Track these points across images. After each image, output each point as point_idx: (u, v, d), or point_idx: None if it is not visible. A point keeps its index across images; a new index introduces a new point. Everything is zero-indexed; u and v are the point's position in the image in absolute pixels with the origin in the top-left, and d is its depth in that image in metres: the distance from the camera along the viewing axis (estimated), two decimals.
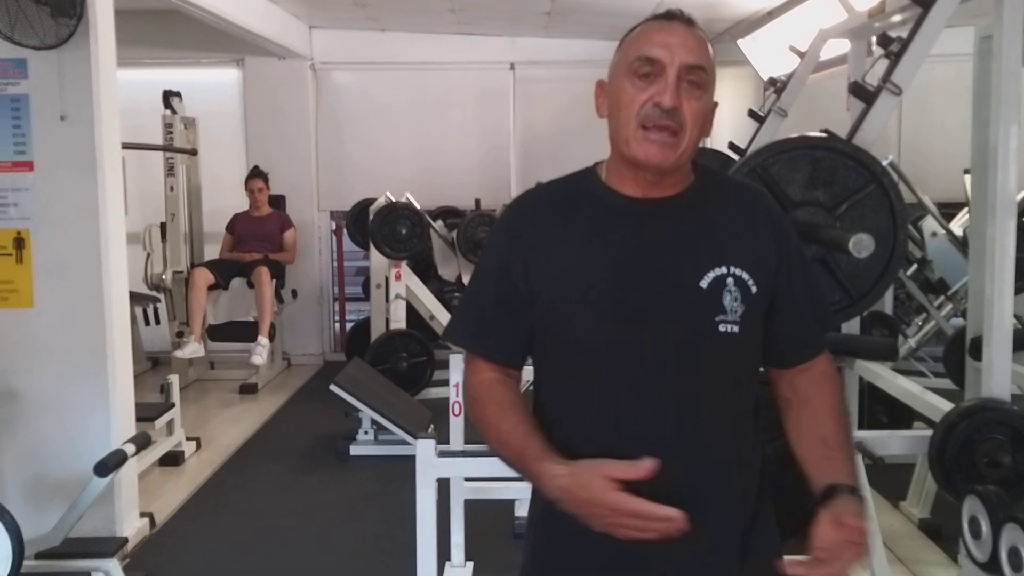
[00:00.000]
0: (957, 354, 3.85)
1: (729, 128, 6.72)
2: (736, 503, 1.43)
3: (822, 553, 1.31)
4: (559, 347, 1.43)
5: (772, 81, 4.57)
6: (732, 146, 4.63)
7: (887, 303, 4.79)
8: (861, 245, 2.32)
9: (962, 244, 4.56)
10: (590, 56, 6.92)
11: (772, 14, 5.71)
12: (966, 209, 4.44)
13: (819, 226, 2.51)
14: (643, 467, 1.25)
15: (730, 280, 1.37)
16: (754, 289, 1.38)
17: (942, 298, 4.97)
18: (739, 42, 6.36)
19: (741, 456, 1.43)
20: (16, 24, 3.33)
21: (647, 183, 1.40)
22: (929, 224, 4.86)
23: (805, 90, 4.25)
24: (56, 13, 3.36)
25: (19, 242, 3.63)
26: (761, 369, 1.51)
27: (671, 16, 1.39)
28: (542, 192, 1.52)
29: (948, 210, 5.24)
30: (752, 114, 4.47)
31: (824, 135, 2.64)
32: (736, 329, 1.37)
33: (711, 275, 1.37)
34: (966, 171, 3.83)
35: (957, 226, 4.87)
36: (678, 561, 1.37)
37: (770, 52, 5.81)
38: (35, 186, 3.62)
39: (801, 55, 4.13)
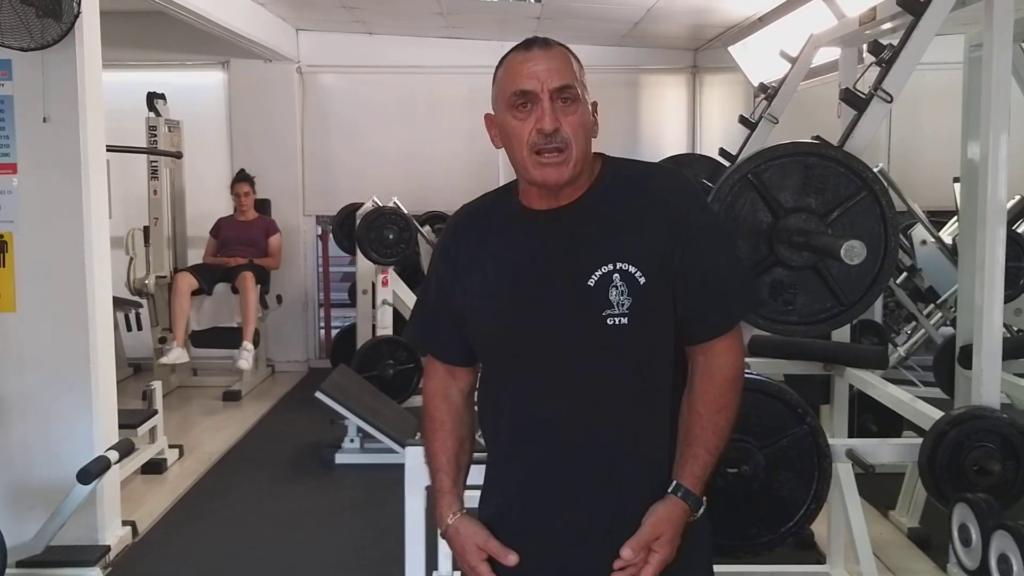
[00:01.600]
0: (946, 362, 3.85)
1: (720, 134, 6.74)
2: (636, 480, 1.55)
3: (633, 545, 1.50)
4: (481, 350, 1.66)
5: (763, 88, 4.56)
6: (723, 152, 4.62)
7: (877, 311, 4.79)
8: (853, 252, 2.31)
9: (952, 252, 4.57)
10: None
11: (763, 20, 5.72)
12: (956, 217, 4.45)
13: (811, 233, 2.49)
14: (510, 559, 1.56)
15: (616, 276, 1.49)
16: (642, 280, 1.49)
17: (932, 306, 4.98)
18: (730, 48, 6.37)
19: (644, 436, 1.56)
20: (2, 25, 3.29)
21: (549, 198, 1.57)
22: (919, 232, 4.87)
23: (796, 97, 4.24)
24: (43, 14, 3.32)
25: (1, 245, 3.59)
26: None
27: (529, 45, 1.55)
28: (469, 210, 1.70)
29: (938, 218, 5.25)
30: (743, 121, 4.46)
31: (816, 142, 2.62)
32: (624, 320, 1.49)
33: (598, 273, 1.49)
34: (956, 179, 3.84)
35: (947, 234, 4.88)
36: (569, 532, 1.57)
37: (761, 59, 5.82)
38: (18, 188, 3.58)
39: (792, 61, 4.12)
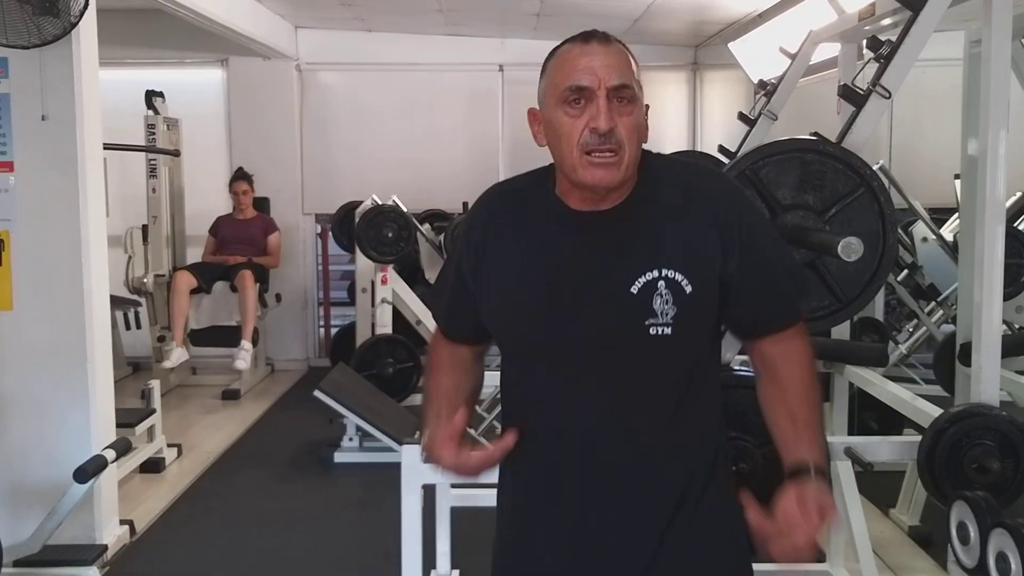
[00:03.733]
0: (947, 360, 3.84)
1: (721, 131, 6.72)
2: (667, 498, 1.48)
3: (783, 526, 1.39)
4: (502, 342, 1.57)
5: (762, 84, 4.55)
6: (722, 149, 4.61)
7: (878, 309, 4.78)
8: (850, 249, 2.30)
9: (952, 250, 4.55)
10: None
11: (763, 17, 5.70)
12: (957, 214, 4.43)
13: (808, 230, 2.48)
14: (459, 421, 1.49)
15: (661, 283, 1.41)
16: (688, 289, 1.41)
17: (933, 304, 4.96)
18: (730, 45, 6.35)
19: (678, 451, 1.48)
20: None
21: (592, 200, 1.47)
22: (920, 229, 4.85)
23: (796, 93, 4.24)
24: (39, 12, 3.31)
25: None
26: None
27: (587, 37, 1.45)
28: (501, 193, 1.61)
29: (939, 215, 5.23)
30: (742, 117, 4.46)
31: (814, 138, 2.61)
32: (668, 331, 1.42)
33: (642, 280, 1.41)
34: (956, 176, 3.82)
35: (948, 231, 4.86)
36: (601, 542, 1.49)
37: (760, 55, 5.80)
38: (15, 187, 3.57)
39: (792, 57, 4.11)
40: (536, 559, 1.53)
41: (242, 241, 6.63)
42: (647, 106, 1.48)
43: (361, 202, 6.15)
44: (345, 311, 7.49)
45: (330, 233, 7.18)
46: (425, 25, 6.99)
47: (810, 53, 4.03)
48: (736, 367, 2.57)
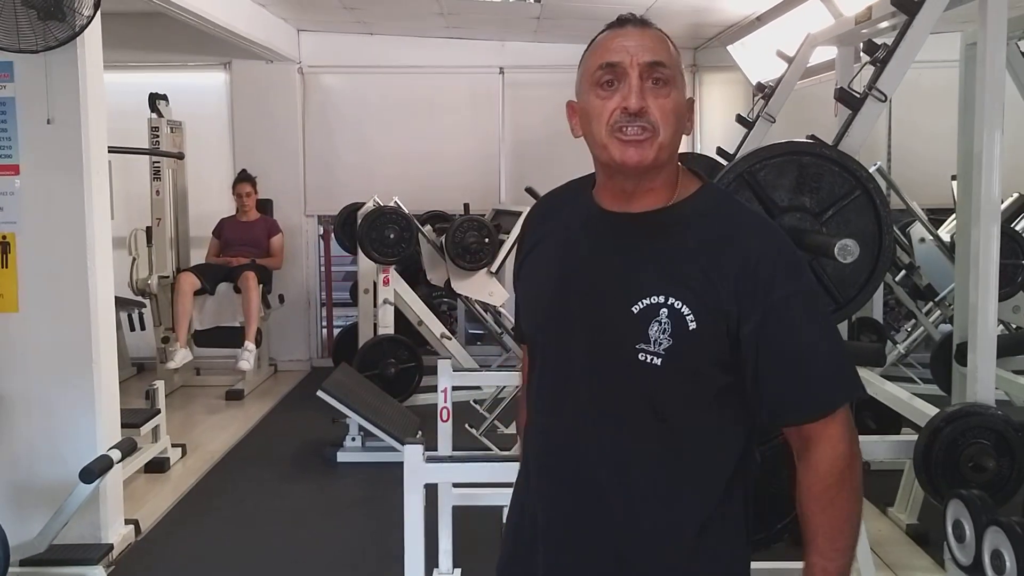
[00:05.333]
0: (944, 360, 3.87)
1: (719, 133, 6.75)
2: (653, 535, 1.39)
3: None
4: (527, 339, 1.57)
5: (760, 87, 4.58)
6: (720, 151, 4.64)
7: (877, 309, 4.80)
8: (846, 250, 2.33)
9: (950, 250, 4.58)
10: (579, 60, 6.93)
11: (761, 19, 5.73)
12: (954, 215, 4.46)
13: (805, 232, 2.51)
14: None
15: (664, 311, 1.32)
16: (692, 326, 1.31)
17: (930, 304, 4.99)
18: (728, 48, 6.38)
19: (663, 493, 1.38)
20: (3, 27, 3.31)
21: (624, 195, 1.40)
22: (917, 230, 4.88)
23: (795, 96, 4.26)
24: (44, 17, 3.34)
25: (4, 246, 3.61)
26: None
27: (623, 21, 1.39)
28: (549, 195, 1.59)
29: (937, 216, 5.26)
30: (740, 120, 4.48)
31: (811, 141, 2.64)
32: (658, 361, 1.32)
33: (646, 302, 1.33)
34: (954, 177, 3.85)
35: (945, 232, 4.90)
36: (583, 551, 1.43)
37: (759, 57, 5.83)
38: (21, 190, 3.60)
39: (789, 60, 4.14)
40: (530, 557, 1.49)
41: (245, 243, 6.67)
42: (691, 100, 1.40)
43: (363, 204, 6.18)
44: (347, 311, 7.53)
45: (332, 234, 7.22)
46: (426, 28, 7.02)
47: (807, 56, 4.06)
48: None
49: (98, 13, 3.46)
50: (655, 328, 1.32)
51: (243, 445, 5.41)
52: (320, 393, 4.67)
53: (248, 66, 7.23)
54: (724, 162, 4.46)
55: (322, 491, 4.62)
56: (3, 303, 3.62)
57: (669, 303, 1.32)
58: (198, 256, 6.94)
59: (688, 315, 1.31)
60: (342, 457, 5.00)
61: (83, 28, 3.41)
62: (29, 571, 3.35)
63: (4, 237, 3.61)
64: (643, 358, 1.32)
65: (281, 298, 7.09)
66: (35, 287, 3.62)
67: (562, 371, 1.43)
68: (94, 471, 3.39)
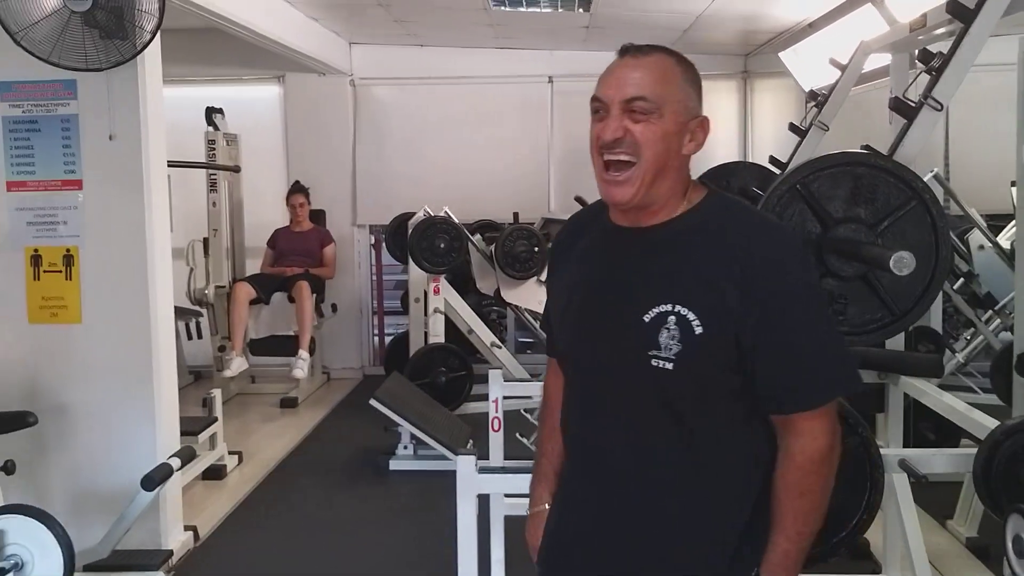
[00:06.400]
0: (1004, 370, 3.79)
1: (773, 141, 6.68)
2: (665, 533, 1.49)
3: None
4: (558, 354, 1.69)
5: (813, 95, 4.54)
6: (773, 160, 4.60)
7: (935, 318, 4.72)
8: (902, 263, 2.31)
9: (1010, 257, 4.49)
10: None
11: (813, 26, 5.67)
12: (1014, 222, 4.37)
13: (860, 243, 2.49)
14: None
15: (672, 318, 1.41)
16: (699, 330, 1.40)
17: (990, 312, 4.89)
18: (780, 54, 6.32)
19: (681, 490, 1.48)
20: (62, 47, 3.39)
21: (627, 216, 1.52)
22: (976, 237, 4.79)
23: (850, 101, 4.21)
24: (106, 35, 3.43)
25: (68, 259, 3.72)
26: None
27: (623, 51, 1.49)
28: (577, 214, 1.71)
29: (996, 223, 5.15)
30: (793, 128, 4.44)
31: (865, 151, 2.62)
32: (669, 366, 1.41)
33: (656, 311, 1.42)
34: (1013, 183, 3.77)
35: (1005, 239, 4.80)
36: (612, 546, 1.54)
37: (812, 64, 5.77)
38: (84, 204, 3.70)
39: (842, 68, 4.10)
40: (565, 547, 1.62)
41: (299, 253, 6.76)
42: (702, 119, 1.49)
43: (414, 213, 6.25)
44: (399, 320, 7.59)
45: (384, 244, 7.29)
46: (475, 39, 7.07)
47: (861, 63, 4.01)
48: None
49: (159, 30, 3.54)
50: (664, 335, 1.41)
51: (297, 453, 5.49)
52: (372, 402, 4.72)
53: (301, 79, 7.34)
54: (777, 171, 4.43)
55: (375, 499, 4.66)
56: (67, 315, 3.72)
57: (676, 311, 1.41)
58: (253, 266, 7.05)
59: (694, 320, 1.40)
60: (394, 465, 5.04)
61: (145, 46, 3.48)
62: None
63: (68, 250, 3.72)
64: (656, 363, 1.42)
65: (334, 307, 7.18)
66: (97, 299, 3.72)
67: (589, 381, 1.55)
68: (155, 479, 3.46)
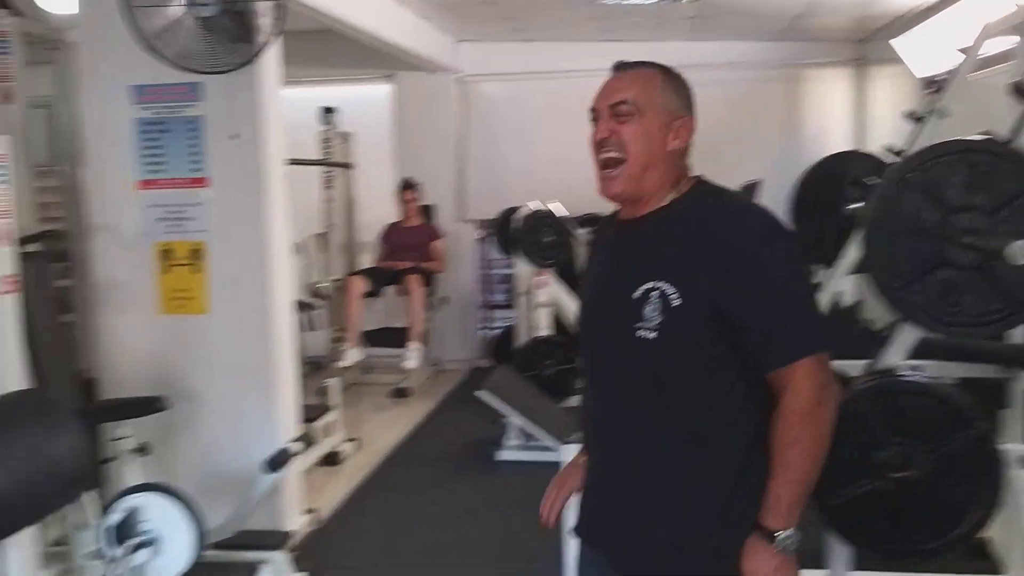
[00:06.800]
0: None
1: (889, 129, 6.48)
2: (665, 489, 1.68)
3: None
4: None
5: (930, 81, 4.40)
6: (888, 148, 4.47)
7: None
8: (1022, 252, 2.24)
9: None
10: (736, 58, 6.84)
11: (929, 11, 5.49)
12: None
13: (977, 232, 2.42)
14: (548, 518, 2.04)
15: (654, 293, 1.61)
16: (676, 302, 1.59)
17: None
18: (892, 41, 6.13)
19: (675, 452, 1.66)
20: (189, 52, 3.56)
21: (625, 208, 1.75)
22: None
23: (972, 84, 4.06)
24: (229, 39, 3.59)
25: (196, 253, 3.91)
26: None
27: (615, 68, 1.74)
28: (604, 218, 1.90)
29: None
30: (910, 115, 4.31)
31: (982, 138, 2.54)
32: (653, 335, 1.61)
33: (642, 288, 1.62)
34: None
35: None
36: (611, 518, 1.77)
37: (927, 50, 5.58)
38: (210, 201, 3.88)
39: (963, 52, 3.96)
40: (589, 509, 1.84)
41: (410, 247, 6.93)
42: (687, 118, 1.70)
43: (520, 208, 6.31)
44: (506, 313, 7.68)
45: (491, 238, 7.39)
46: (582, 33, 7.09)
47: (981, 47, 3.87)
48: (902, 372, 2.53)
49: (278, 33, 3.68)
50: (647, 308, 1.61)
51: (409, 441, 5.64)
52: (480, 393, 4.82)
53: (411, 77, 7.50)
54: (892, 159, 4.31)
55: (483, 488, 4.76)
56: (195, 305, 3.92)
57: (657, 286, 1.61)
58: (366, 260, 7.25)
59: (672, 293, 1.59)
60: (502, 456, 5.12)
61: (265, 49, 3.62)
62: (220, 554, 3.61)
63: (196, 245, 3.91)
64: (639, 334, 1.62)
65: (444, 300, 7.32)
66: (222, 291, 3.89)
67: (597, 361, 1.76)
68: (276, 463, 3.62)
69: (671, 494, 1.67)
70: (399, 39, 6.06)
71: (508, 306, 7.22)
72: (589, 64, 7.29)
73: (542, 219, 6.03)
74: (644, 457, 1.68)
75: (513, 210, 6.50)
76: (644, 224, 1.70)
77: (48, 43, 3.89)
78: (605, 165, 1.69)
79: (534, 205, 6.21)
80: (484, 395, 4.81)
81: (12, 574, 2.64)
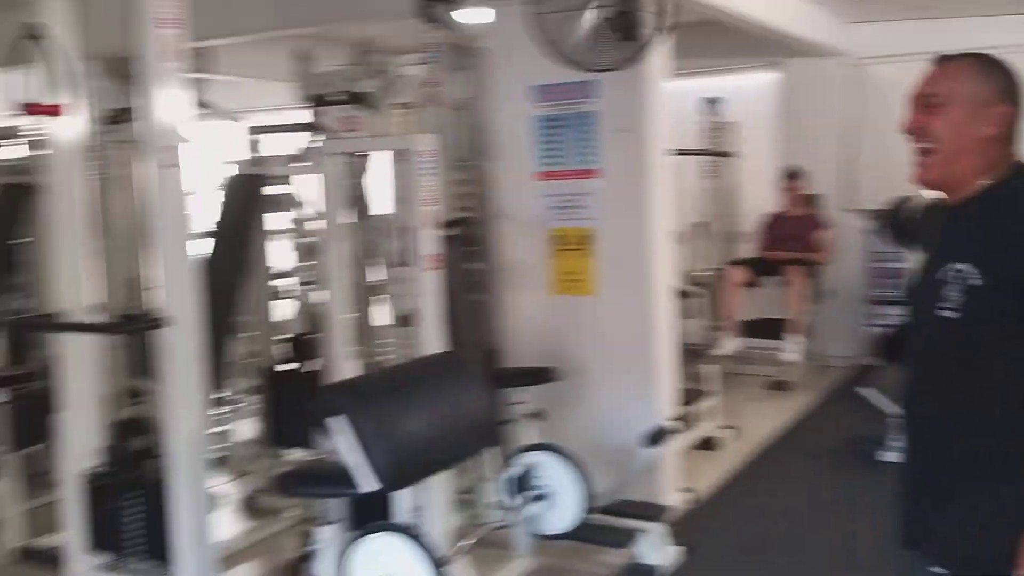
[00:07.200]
0: None
1: None
2: (961, 461, 1.67)
3: None
4: None
5: None
6: None
7: None
8: None
9: None
10: None
11: None
12: None
13: None
14: None
15: (951, 274, 1.62)
16: (975, 281, 1.59)
17: None
18: None
19: (970, 432, 1.65)
20: (585, 51, 3.81)
21: (947, 193, 1.76)
22: None
23: None
24: (623, 38, 3.80)
25: (586, 239, 4.21)
26: None
27: (934, 61, 1.76)
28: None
29: None
30: None
31: None
32: (956, 315, 1.61)
33: (944, 269, 1.64)
34: None
35: None
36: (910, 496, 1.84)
37: None
38: (599, 190, 4.16)
39: None
40: (903, 514, 1.88)
41: (792, 237, 6.80)
42: (1004, 108, 1.68)
43: (912, 197, 5.92)
44: (896, 310, 7.23)
45: (882, 229, 7.00)
46: (995, 5, 6.46)
47: None
48: None
49: (666, 29, 3.83)
50: (947, 288, 1.63)
51: (787, 434, 5.57)
52: (859, 390, 4.65)
53: (797, 63, 7.32)
54: None
55: (860, 487, 4.56)
56: (584, 287, 4.23)
57: (957, 268, 1.62)
58: (745, 250, 7.23)
59: (973, 273, 1.59)
60: (885, 457, 4.88)
61: (653, 44, 3.80)
62: (601, 518, 3.85)
63: (586, 231, 4.21)
64: (940, 314, 1.63)
65: (830, 293, 7.07)
66: (608, 274, 4.17)
67: (915, 347, 1.77)
68: (654, 438, 3.80)
69: (973, 488, 1.66)
70: (786, 25, 5.96)
71: (898, 302, 6.80)
72: (1002, 40, 6.68)
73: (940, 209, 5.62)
74: (946, 438, 1.69)
75: (906, 199, 6.12)
76: (959, 210, 1.73)
77: (465, 51, 4.38)
78: (917, 154, 1.73)
79: (930, 195, 5.79)
80: (863, 392, 4.63)
81: (434, 511, 3.07)
